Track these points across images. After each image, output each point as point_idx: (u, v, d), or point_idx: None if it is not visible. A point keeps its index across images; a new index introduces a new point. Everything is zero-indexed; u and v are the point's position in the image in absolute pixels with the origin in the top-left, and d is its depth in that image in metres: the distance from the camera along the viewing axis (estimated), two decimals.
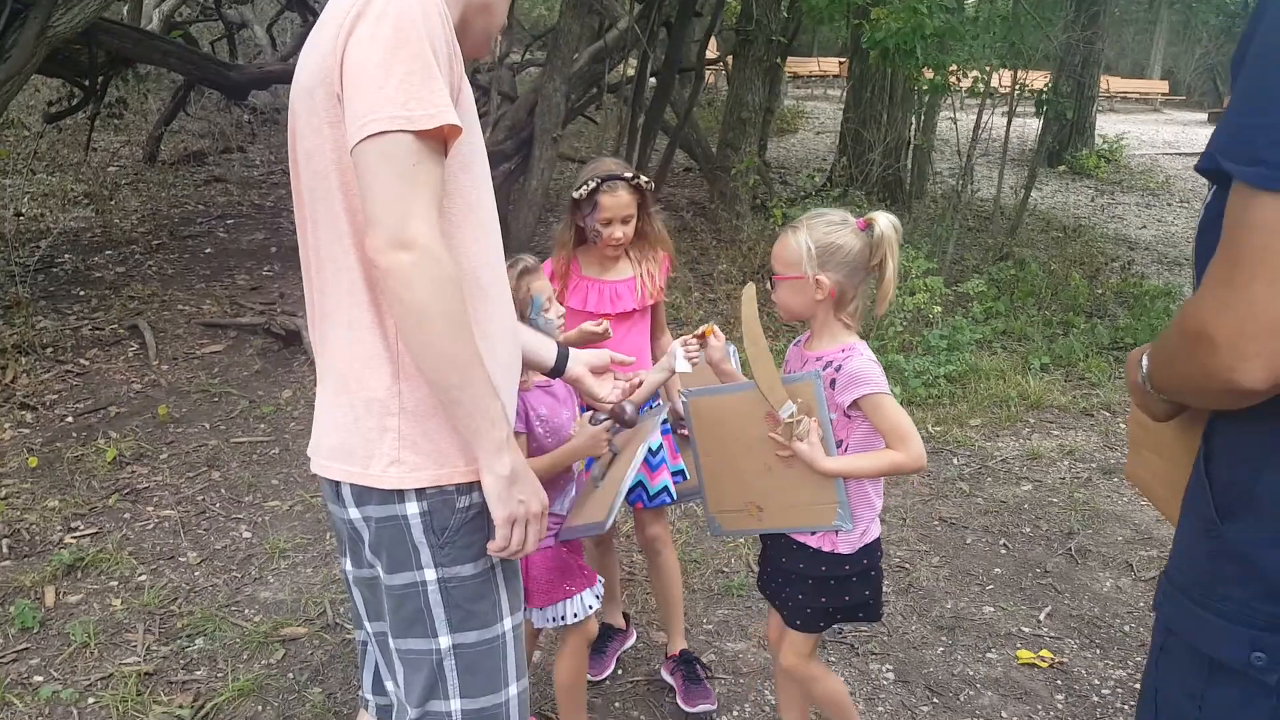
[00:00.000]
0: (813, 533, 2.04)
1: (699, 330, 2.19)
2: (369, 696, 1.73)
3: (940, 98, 8.17)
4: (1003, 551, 3.62)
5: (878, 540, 2.09)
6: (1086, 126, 13.68)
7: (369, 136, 1.26)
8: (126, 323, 5.48)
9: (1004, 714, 2.68)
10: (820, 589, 2.08)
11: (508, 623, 1.51)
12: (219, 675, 2.70)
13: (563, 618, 2.22)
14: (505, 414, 1.42)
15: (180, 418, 4.46)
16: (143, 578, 3.17)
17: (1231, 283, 1.01)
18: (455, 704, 1.48)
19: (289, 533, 3.50)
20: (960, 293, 6.48)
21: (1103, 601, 3.27)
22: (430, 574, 1.44)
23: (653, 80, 8.99)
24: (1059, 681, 2.83)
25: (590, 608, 2.25)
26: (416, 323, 1.29)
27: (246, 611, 3.03)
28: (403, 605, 1.46)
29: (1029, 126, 10.47)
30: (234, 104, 11.19)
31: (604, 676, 2.77)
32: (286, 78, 9.44)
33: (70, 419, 4.35)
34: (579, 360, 1.94)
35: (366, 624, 1.63)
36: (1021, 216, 8.93)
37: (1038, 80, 9.14)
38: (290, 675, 2.72)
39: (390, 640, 1.52)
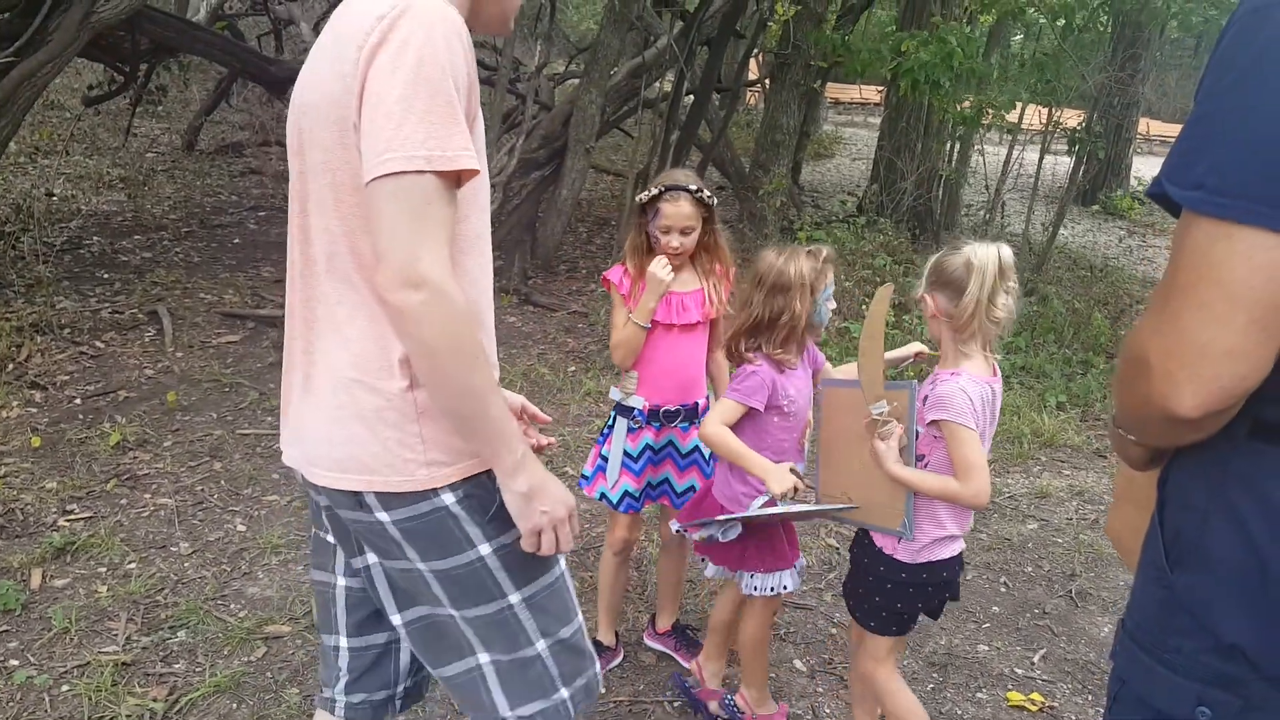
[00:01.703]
0: (881, 533, 2.16)
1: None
2: (339, 696, 1.71)
3: (973, 130, 8.11)
4: (1002, 590, 3.56)
5: (947, 562, 2.15)
6: (1123, 168, 13.55)
7: (386, 175, 1.26)
8: (147, 308, 5.54)
9: None
10: (877, 588, 2.19)
11: (560, 565, 1.60)
12: (197, 670, 2.70)
13: (770, 588, 2.41)
14: (520, 433, 1.43)
15: (189, 406, 4.48)
16: (132, 565, 3.18)
17: (1166, 307, 1.01)
18: (540, 644, 1.56)
19: (284, 529, 3.49)
20: None
21: (1099, 647, 3.19)
22: (485, 548, 1.48)
23: (690, 98, 9.00)
24: None
25: (786, 587, 2.42)
26: (428, 359, 1.31)
27: (232, 606, 3.02)
28: (462, 581, 1.49)
29: (1065, 164, 10.38)
30: (276, 98, 11.34)
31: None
32: None
33: (79, 400, 4.38)
34: None
35: (395, 615, 1.60)
36: (1048, 253, 8.83)
37: (1072, 119, 9.04)
38: (269, 674, 2.71)
39: (455, 614, 1.53)
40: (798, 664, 2.97)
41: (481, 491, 1.47)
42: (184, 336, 5.28)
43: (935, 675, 2.97)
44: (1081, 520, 4.22)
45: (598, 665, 1.66)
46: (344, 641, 1.68)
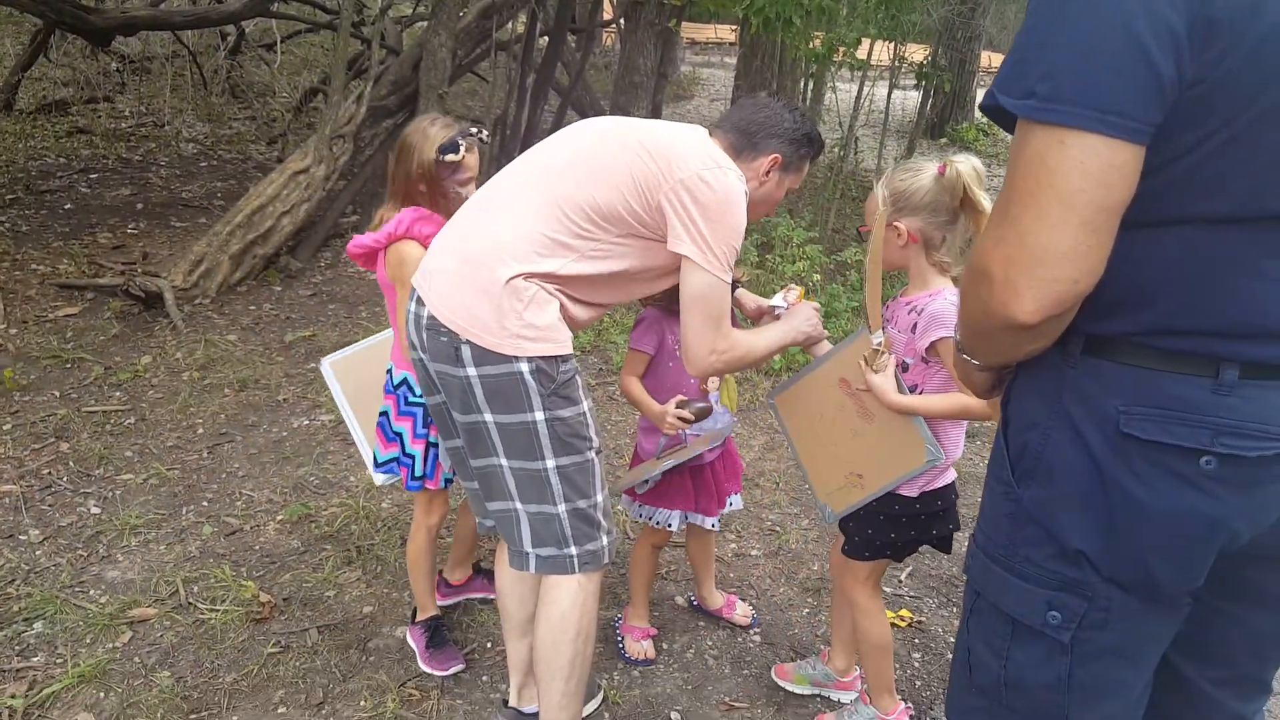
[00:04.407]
0: (911, 478, 2.06)
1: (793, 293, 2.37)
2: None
3: (825, 68, 8.25)
4: None
5: (942, 490, 2.15)
6: (967, 100, 14.01)
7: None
8: None
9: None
10: (870, 521, 2.18)
11: (592, 452, 2.04)
12: (58, 661, 2.57)
13: (653, 520, 2.63)
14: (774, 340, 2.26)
15: (28, 385, 4.20)
16: None
17: (1005, 216, 1.03)
18: (561, 507, 2.02)
19: (141, 508, 3.34)
20: (840, 261, 6.58)
21: (960, 561, 3.39)
22: (540, 415, 1.95)
23: (544, 40, 8.81)
24: (916, 640, 2.94)
25: (670, 525, 2.61)
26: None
27: (92, 592, 2.88)
28: (517, 438, 1.97)
29: (914, 99, 10.70)
30: (100, 50, 10.53)
31: (455, 669, 2.63)
32: (155, 24, 8.90)
33: None
34: None
35: (471, 461, 2.11)
36: None
37: (918, 54, 9.29)
38: (137, 659, 2.61)
39: (505, 464, 2.02)
40: (678, 600, 3.05)
41: (550, 369, 1.93)
42: (17, 312, 4.93)
43: (810, 600, 3.10)
44: None
45: (608, 539, 2.08)
46: (475, 464, 2.11)
